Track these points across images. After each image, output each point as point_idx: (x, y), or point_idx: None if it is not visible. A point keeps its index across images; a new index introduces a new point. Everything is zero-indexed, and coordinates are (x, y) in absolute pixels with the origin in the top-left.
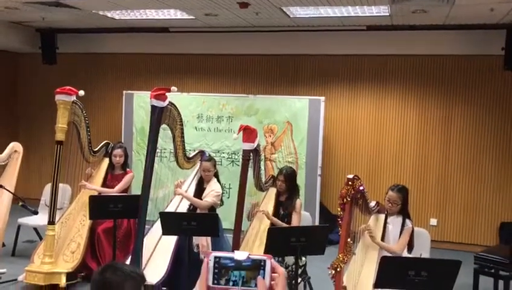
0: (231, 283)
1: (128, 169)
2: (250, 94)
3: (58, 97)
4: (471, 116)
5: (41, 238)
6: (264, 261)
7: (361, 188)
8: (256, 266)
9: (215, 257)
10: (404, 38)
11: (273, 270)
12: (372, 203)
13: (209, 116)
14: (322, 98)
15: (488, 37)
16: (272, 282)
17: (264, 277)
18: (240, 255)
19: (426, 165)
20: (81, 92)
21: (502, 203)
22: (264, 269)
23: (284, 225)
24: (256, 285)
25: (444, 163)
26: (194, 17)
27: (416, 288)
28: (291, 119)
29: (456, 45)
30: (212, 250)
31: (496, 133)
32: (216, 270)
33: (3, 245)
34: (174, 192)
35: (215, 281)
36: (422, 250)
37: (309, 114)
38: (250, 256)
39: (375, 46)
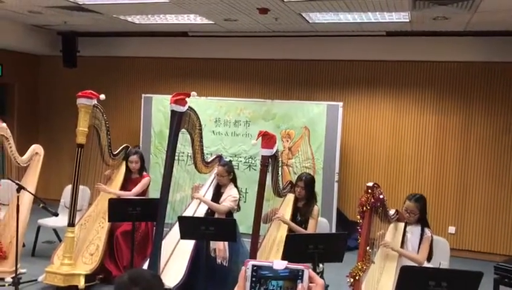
0: None
1: (145, 173)
2: (268, 99)
3: (79, 101)
4: (491, 124)
5: (60, 240)
6: (302, 271)
7: (381, 196)
8: (294, 276)
9: (253, 266)
10: (423, 44)
11: (311, 281)
12: (392, 211)
13: (226, 121)
14: (340, 104)
15: (509, 43)
16: None
17: None
18: (278, 264)
19: (444, 172)
20: (102, 96)
21: None
22: (302, 279)
23: (302, 229)
24: None
25: (463, 170)
26: (213, 22)
27: None
28: (309, 125)
29: (477, 51)
30: (228, 254)
31: None
32: (254, 279)
33: (24, 245)
34: (192, 196)
35: None
36: (441, 259)
37: (327, 119)
38: (288, 266)
39: (394, 52)
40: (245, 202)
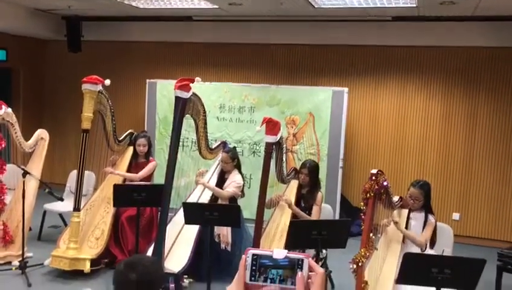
0: (269, 281)
1: (151, 158)
2: (272, 84)
3: (84, 86)
4: (497, 110)
5: (66, 224)
6: (302, 260)
7: (385, 183)
8: (294, 265)
9: (253, 255)
10: (430, 29)
11: (311, 270)
12: (396, 198)
13: (231, 107)
14: (346, 90)
15: None
16: (309, 280)
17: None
18: (278, 253)
19: (450, 158)
20: (107, 82)
21: None
22: (301, 268)
23: (306, 215)
24: (293, 283)
25: (468, 156)
26: (217, 7)
27: (439, 285)
28: (314, 111)
29: (484, 36)
30: (232, 240)
31: None
32: (254, 267)
33: (30, 229)
34: (196, 181)
35: (253, 278)
36: (445, 246)
37: (332, 105)
38: (287, 255)
39: (401, 37)
40: (249, 188)
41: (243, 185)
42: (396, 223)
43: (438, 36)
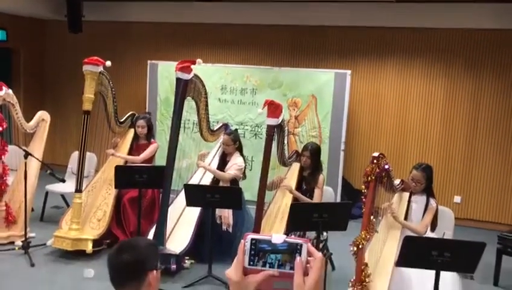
0: (267, 265)
1: (152, 140)
2: (274, 66)
3: (85, 68)
4: (500, 92)
5: (68, 205)
6: (301, 245)
7: (386, 166)
8: (293, 250)
9: (252, 239)
10: (434, 11)
11: (309, 255)
12: (397, 181)
13: (232, 88)
14: (348, 72)
15: None
16: (307, 265)
17: None
18: (276, 238)
19: (452, 141)
20: (108, 63)
21: None
22: (300, 253)
23: (307, 199)
24: (291, 268)
25: (471, 139)
26: None
27: (439, 268)
28: (316, 93)
29: (487, 18)
30: (233, 221)
31: None
32: (252, 252)
33: (32, 210)
34: (197, 164)
35: (251, 263)
36: (446, 229)
37: (334, 88)
38: (286, 240)
39: (404, 19)
40: (251, 170)
41: (244, 168)
42: (394, 216)
43: (441, 18)
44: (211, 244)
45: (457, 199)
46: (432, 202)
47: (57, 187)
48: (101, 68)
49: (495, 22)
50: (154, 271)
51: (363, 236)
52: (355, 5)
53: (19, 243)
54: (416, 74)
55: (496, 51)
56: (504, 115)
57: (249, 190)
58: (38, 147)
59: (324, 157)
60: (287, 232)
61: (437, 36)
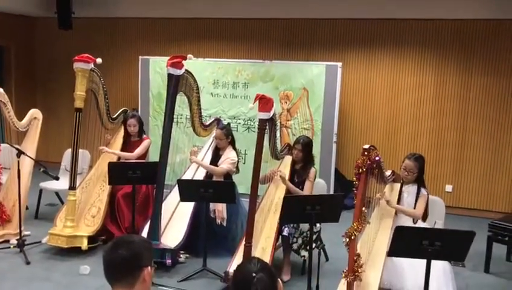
0: None
1: (145, 136)
2: (266, 60)
3: (76, 65)
4: (491, 83)
5: (62, 202)
6: None
7: (377, 158)
8: None
9: None
10: (423, 1)
11: None
12: (388, 173)
13: (225, 82)
14: (339, 64)
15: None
16: None
17: None
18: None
19: (443, 131)
20: (99, 60)
21: None
22: None
23: (300, 191)
24: None
25: (462, 129)
26: None
27: (430, 257)
28: (308, 86)
29: (476, 8)
30: (227, 215)
31: None
32: None
33: (27, 208)
34: (190, 159)
35: None
36: (437, 218)
37: (326, 80)
38: None
39: (394, 10)
40: (244, 163)
41: (238, 162)
42: (388, 201)
43: (430, 8)
44: (205, 238)
45: (448, 187)
46: (423, 190)
47: (50, 185)
48: (91, 65)
49: (484, 12)
50: (149, 267)
51: (355, 227)
52: None
53: (14, 241)
54: (406, 64)
55: (485, 41)
56: (494, 104)
57: (243, 183)
58: (31, 146)
59: (317, 149)
60: (281, 225)
61: (426, 27)
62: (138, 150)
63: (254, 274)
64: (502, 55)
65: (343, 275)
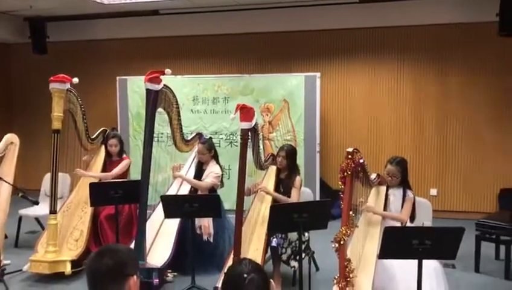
0: None
1: (124, 155)
2: (245, 74)
3: (52, 85)
4: (468, 85)
5: (43, 228)
6: None
7: (361, 161)
8: None
9: None
10: (396, 9)
11: None
12: (373, 176)
13: (204, 98)
14: (318, 74)
15: (482, 3)
16: None
17: None
18: None
19: (424, 136)
20: (75, 80)
21: (500, 170)
22: None
23: (285, 198)
24: None
25: (442, 133)
26: None
27: (421, 257)
28: (288, 97)
29: (450, 13)
30: (214, 230)
31: (493, 101)
32: None
33: (6, 237)
34: (173, 175)
35: None
36: (424, 219)
37: (305, 91)
38: None
39: (368, 19)
40: (228, 178)
41: (222, 175)
42: (374, 212)
43: (404, 16)
44: (192, 255)
45: (433, 191)
46: (409, 193)
47: (30, 211)
48: (68, 85)
49: (458, 16)
50: (135, 276)
51: (344, 232)
52: (320, 9)
53: None
54: (384, 71)
55: (461, 45)
56: (472, 106)
57: (228, 199)
58: (8, 171)
59: (300, 160)
60: (269, 235)
61: (401, 33)
62: (116, 170)
63: (246, 275)
64: (477, 58)
65: (335, 281)
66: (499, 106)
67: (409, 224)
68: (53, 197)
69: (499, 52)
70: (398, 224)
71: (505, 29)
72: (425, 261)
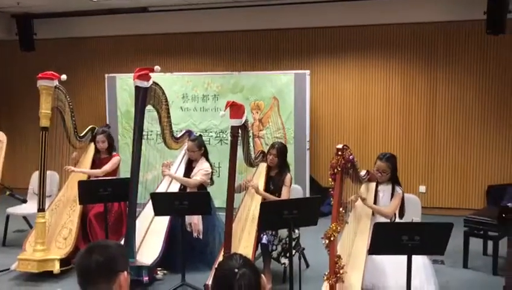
0: None
1: (114, 153)
2: (234, 71)
3: (40, 82)
4: (456, 83)
5: (31, 227)
6: None
7: (351, 157)
8: None
9: None
10: (385, 7)
11: None
12: (363, 172)
13: (194, 96)
14: (307, 72)
15: (470, 1)
16: None
17: None
18: None
19: (413, 133)
20: (64, 77)
21: (488, 167)
22: None
23: (275, 197)
24: None
25: (430, 130)
26: None
27: (410, 252)
28: (278, 95)
29: (438, 11)
30: (203, 228)
31: (480, 98)
32: None
33: None
34: (162, 173)
35: None
36: (414, 215)
37: (295, 88)
38: None
39: (357, 17)
40: (218, 176)
41: (212, 173)
42: (363, 199)
43: (392, 14)
44: (182, 252)
45: (422, 188)
46: (398, 189)
47: (18, 209)
48: (56, 82)
49: (446, 14)
50: (125, 272)
51: (334, 228)
52: (309, 7)
53: None
54: (373, 68)
55: (449, 42)
56: (460, 104)
57: (219, 197)
58: None
59: (290, 158)
60: (259, 232)
61: (390, 31)
62: (106, 167)
63: (237, 270)
64: (465, 55)
65: (325, 278)
66: (487, 103)
67: (398, 220)
68: (41, 195)
69: (486, 50)
70: (388, 220)
71: (492, 27)
72: (414, 257)
